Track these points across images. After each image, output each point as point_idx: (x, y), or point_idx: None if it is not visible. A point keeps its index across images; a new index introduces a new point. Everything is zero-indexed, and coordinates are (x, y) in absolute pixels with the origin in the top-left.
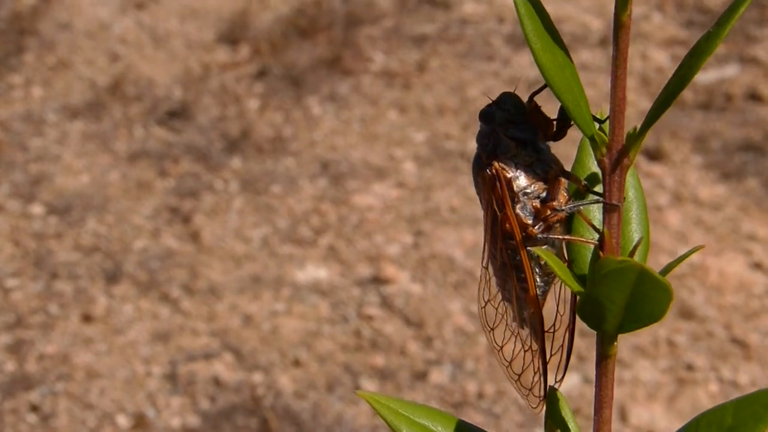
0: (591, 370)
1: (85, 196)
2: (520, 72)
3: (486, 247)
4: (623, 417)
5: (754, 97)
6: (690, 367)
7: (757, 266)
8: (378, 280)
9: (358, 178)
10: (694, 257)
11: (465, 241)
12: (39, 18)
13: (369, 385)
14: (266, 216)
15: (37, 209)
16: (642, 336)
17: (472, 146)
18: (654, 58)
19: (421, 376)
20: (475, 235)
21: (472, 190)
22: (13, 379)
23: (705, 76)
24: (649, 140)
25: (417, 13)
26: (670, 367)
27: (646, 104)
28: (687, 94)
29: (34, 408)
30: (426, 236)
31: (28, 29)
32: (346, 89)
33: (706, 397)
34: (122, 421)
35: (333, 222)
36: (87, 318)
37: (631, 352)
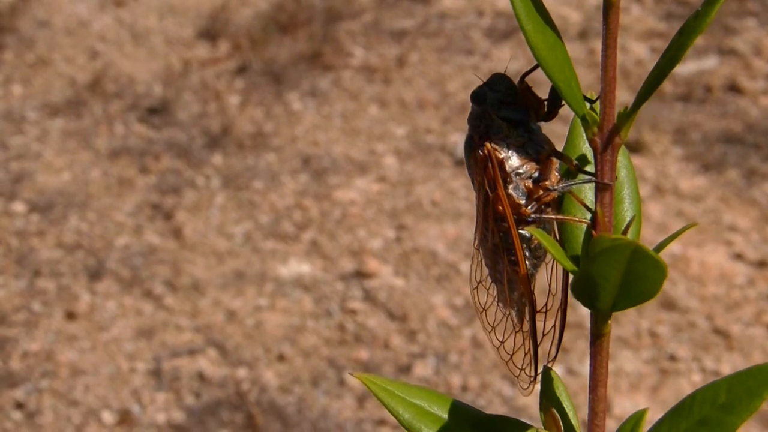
0: (575, 362)
1: (67, 193)
2: (500, 65)
3: (477, 228)
4: (607, 407)
5: (733, 88)
6: (672, 358)
7: (738, 257)
8: (361, 275)
9: (339, 173)
10: (675, 248)
11: (447, 234)
12: (18, 16)
13: (353, 379)
14: (248, 212)
15: (18, 207)
16: (625, 327)
17: (453, 140)
18: (633, 50)
19: (405, 370)
20: (457, 229)
21: (454, 184)
22: None
23: (685, 68)
24: (629, 132)
25: (396, 8)
26: (652, 357)
27: (626, 96)
28: (667, 86)
29: (19, 405)
30: (408, 230)
31: (6, 27)
32: (327, 84)
33: (689, 387)
34: (107, 417)
35: (315, 217)
36: (70, 315)
37: (614, 343)
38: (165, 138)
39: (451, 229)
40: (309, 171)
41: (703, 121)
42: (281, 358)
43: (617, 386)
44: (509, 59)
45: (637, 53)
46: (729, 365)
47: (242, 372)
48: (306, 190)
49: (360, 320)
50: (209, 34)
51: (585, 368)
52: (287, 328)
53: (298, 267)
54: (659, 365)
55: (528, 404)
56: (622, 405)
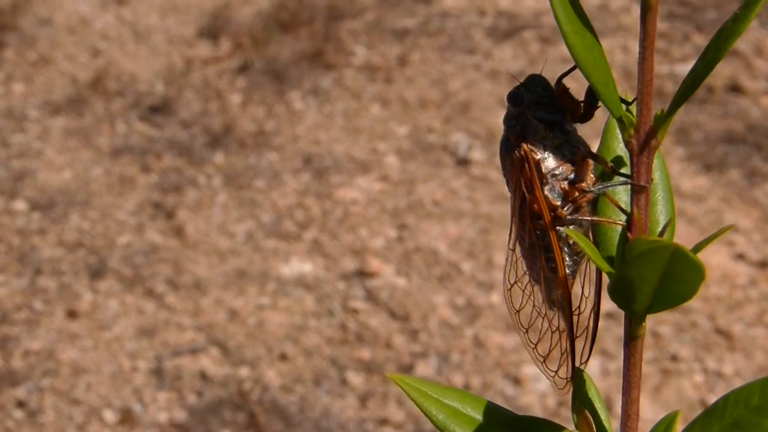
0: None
1: (68, 191)
2: (501, 65)
3: (513, 228)
4: (608, 408)
5: (735, 88)
6: (675, 358)
7: (740, 257)
8: (363, 274)
9: (341, 172)
10: None
11: (449, 234)
12: (19, 13)
13: (355, 378)
14: (250, 210)
15: (20, 205)
16: None
17: (455, 139)
18: (635, 50)
19: (407, 369)
20: (459, 228)
21: (455, 183)
22: None
23: (686, 68)
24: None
25: (398, 7)
26: (655, 358)
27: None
28: (668, 86)
29: (21, 404)
30: (410, 229)
31: (8, 25)
32: (329, 83)
33: (691, 387)
34: (109, 416)
35: (317, 216)
36: (72, 314)
37: (616, 343)
38: (167, 136)
39: (453, 228)
40: (311, 170)
41: (704, 121)
42: (283, 357)
43: (619, 386)
44: (510, 58)
45: None
46: (731, 366)
47: (244, 371)
48: (308, 189)
49: (362, 320)
50: (211, 32)
51: (590, 370)
52: (289, 327)
53: (299, 266)
54: (661, 365)
55: (530, 404)
56: None
